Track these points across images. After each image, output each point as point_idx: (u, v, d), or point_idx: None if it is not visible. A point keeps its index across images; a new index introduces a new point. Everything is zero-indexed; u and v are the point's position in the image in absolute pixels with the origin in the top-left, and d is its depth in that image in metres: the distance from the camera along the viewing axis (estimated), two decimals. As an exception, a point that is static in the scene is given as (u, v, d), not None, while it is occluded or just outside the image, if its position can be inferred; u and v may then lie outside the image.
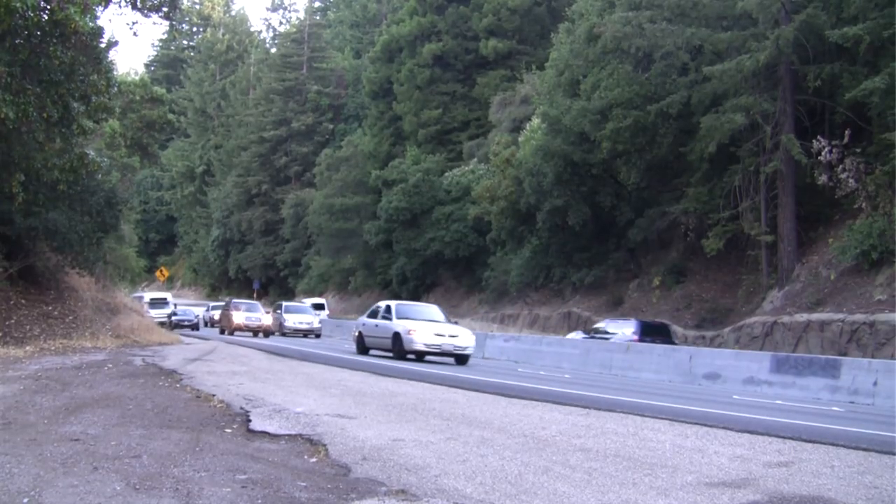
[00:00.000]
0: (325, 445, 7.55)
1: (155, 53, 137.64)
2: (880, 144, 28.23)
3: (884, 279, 26.60)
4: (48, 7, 18.57)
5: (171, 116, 49.11)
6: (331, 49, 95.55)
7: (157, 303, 57.87)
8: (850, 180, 29.45)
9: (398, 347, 23.94)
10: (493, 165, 51.12)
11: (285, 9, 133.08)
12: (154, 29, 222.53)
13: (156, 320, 50.18)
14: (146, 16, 24.19)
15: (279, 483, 6.03)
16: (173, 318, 52.27)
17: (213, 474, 6.26)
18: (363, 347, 26.36)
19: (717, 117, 31.27)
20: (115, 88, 25.16)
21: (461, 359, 24.02)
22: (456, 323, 27.65)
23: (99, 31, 21.04)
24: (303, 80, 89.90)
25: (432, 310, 26.92)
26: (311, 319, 47.40)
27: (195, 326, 54.23)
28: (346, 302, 73.51)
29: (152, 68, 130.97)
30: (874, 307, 25.78)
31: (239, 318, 41.81)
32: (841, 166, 29.69)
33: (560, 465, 6.92)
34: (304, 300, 66.21)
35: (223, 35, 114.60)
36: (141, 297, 58.25)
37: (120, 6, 23.30)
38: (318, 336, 46.31)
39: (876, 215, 28.10)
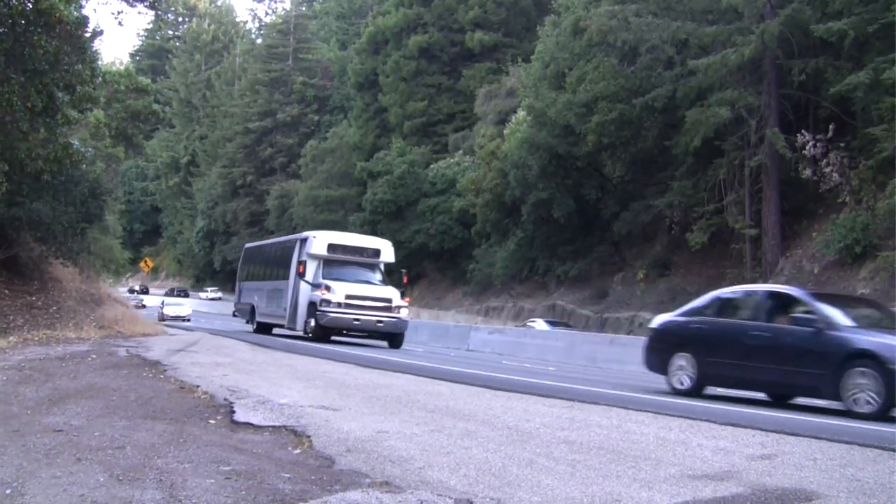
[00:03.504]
0: (309, 437, 7.54)
1: (140, 43, 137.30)
2: (864, 139, 28.34)
3: (867, 273, 26.74)
4: (32, -4, 18.51)
5: (155, 107, 49.10)
6: (317, 40, 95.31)
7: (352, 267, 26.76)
8: (835, 174, 29.59)
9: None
10: (479, 158, 51.16)
11: (271, 0, 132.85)
12: (139, 19, 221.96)
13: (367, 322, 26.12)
14: (131, 5, 24.17)
15: (263, 474, 6.03)
16: None
17: (196, 466, 6.25)
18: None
19: (702, 111, 31.36)
20: (100, 78, 25.13)
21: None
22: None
23: (84, 21, 20.97)
24: (288, 72, 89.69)
25: None
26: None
27: None
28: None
29: (137, 58, 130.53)
30: (857, 301, 25.88)
31: None
32: (825, 160, 29.83)
33: (544, 457, 6.93)
34: None
35: (209, 25, 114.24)
36: (305, 241, 27.10)
37: (105, -5, 23.27)
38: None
39: (859, 209, 28.24)
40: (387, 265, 27.84)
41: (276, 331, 29.21)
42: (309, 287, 25.87)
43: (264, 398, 9.93)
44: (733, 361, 13.23)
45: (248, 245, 38.20)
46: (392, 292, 25.71)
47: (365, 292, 25.15)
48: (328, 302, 24.57)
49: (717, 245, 35.12)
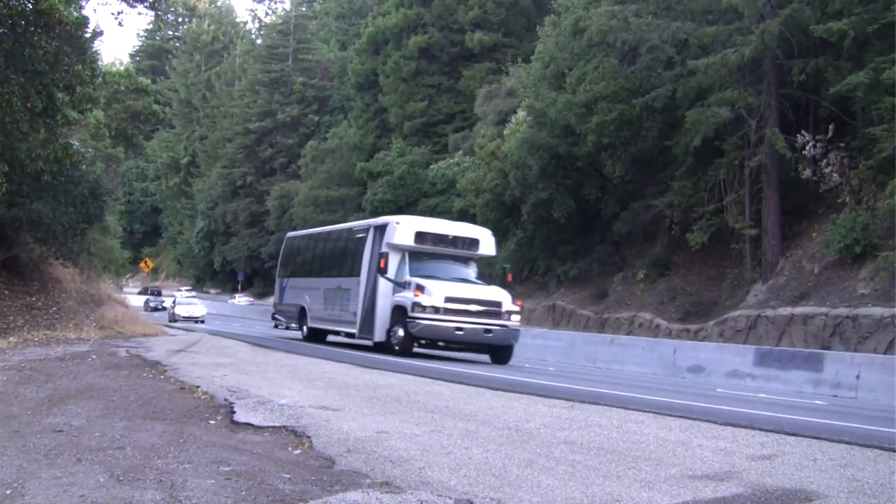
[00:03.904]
0: (309, 437, 7.54)
1: (140, 44, 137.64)
2: (864, 139, 28.31)
3: (867, 273, 26.71)
4: (32, -4, 18.53)
5: (155, 107, 49.11)
6: (316, 41, 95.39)
7: None
8: (835, 175, 29.58)
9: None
10: (479, 158, 51.10)
11: (271, 0, 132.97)
12: (139, 19, 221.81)
13: None
14: (131, 6, 24.17)
15: (263, 475, 6.02)
16: None
17: (196, 466, 6.25)
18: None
19: (702, 111, 31.32)
20: (100, 79, 25.12)
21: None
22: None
23: (83, 21, 20.98)
24: (288, 72, 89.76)
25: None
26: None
27: None
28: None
29: (137, 59, 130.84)
30: (857, 301, 25.89)
31: None
32: (825, 160, 29.82)
33: (544, 457, 6.93)
34: None
35: (208, 26, 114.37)
36: (384, 229, 22.35)
37: (105, -4, 23.31)
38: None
39: (859, 209, 28.21)
40: (483, 259, 23.67)
41: (330, 338, 24.98)
42: (391, 287, 20.90)
43: (264, 398, 9.93)
44: None
45: (291, 234, 31.87)
46: (501, 294, 21.15)
47: (468, 293, 20.42)
48: (422, 306, 19.48)
49: (717, 245, 35.09)
